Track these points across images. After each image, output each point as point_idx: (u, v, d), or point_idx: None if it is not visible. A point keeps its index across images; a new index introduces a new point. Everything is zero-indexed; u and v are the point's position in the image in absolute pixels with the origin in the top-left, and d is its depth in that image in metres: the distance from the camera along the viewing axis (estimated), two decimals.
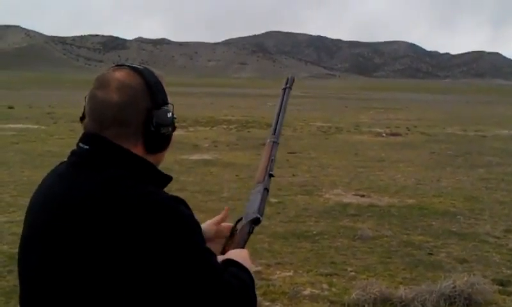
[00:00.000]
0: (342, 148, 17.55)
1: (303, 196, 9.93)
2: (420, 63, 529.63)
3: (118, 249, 1.23)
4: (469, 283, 5.15)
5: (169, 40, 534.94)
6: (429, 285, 5.24)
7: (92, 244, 1.24)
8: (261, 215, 1.64)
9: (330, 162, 14.38)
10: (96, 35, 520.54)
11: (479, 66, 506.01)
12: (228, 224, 1.76)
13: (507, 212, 8.92)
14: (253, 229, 1.63)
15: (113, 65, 1.45)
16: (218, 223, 1.76)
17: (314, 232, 7.53)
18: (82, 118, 1.42)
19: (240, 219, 1.68)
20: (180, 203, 1.34)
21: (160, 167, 1.47)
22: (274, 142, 1.80)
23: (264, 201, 1.67)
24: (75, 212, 1.28)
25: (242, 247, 1.59)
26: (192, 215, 1.34)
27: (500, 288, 5.55)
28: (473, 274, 5.52)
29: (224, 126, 24.65)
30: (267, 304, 5.09)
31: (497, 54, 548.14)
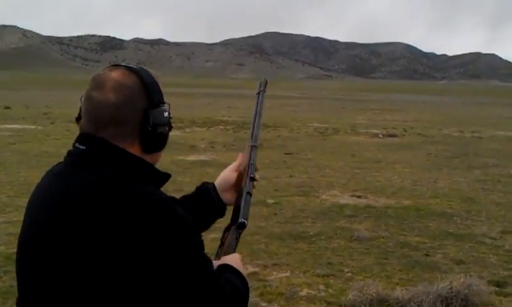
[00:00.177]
0: (339, 149, 17.57)
1: (300, 196, 9.94)
2: (417, 64, 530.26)
3: (114, 248, 1.23)
4: (466, 284, 5.15)
5: (166, 41, 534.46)
6: (426, 286, 5.25)
7: (89, 243, 1.24)
8: (245, 219, 1.63)
9: (327, 163, 14.39)
10: (94, 35, 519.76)
11: (476, 67, 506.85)
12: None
13: (504, 213, 8.94)
14: (239, 234, 1.63)
15: (109, 65, 1.45)
16: (237, 169, 1.77)
17: (311, 233, 7.53)
18: (78, 119, 1.42)
19: (229, 226, 1.68)
20: (178, 204, 1.34)
21: (157, 167, 1.47)
22: (253, 146, 1.79)
23: (247, 205, 1.66)
24: (72, 211, 1.28)
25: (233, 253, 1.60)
26: (189, 218, 1.34)
27: (497, 289, 5.56)
28: (470, 275, 5.53)
29: (221, 127, 24.65)
30: (263, 304, 5.09)
31: (494, 55, 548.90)
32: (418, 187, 11.17)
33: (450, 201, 9.78)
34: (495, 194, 10.54)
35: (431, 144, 19.31)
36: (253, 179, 1.70)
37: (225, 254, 1.58)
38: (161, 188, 1.41)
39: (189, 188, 1.88)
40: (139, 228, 1.23)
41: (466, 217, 8.58)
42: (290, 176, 12.14)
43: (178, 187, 9.93)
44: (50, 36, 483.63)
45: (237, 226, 1.62)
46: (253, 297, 5.03)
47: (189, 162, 13.97)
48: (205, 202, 1.72)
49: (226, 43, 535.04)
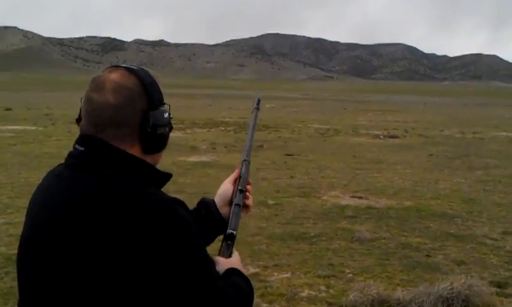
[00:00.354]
0: (340, 150, 17.56)
1: (301, 197, 9.93)
2: (418, 65, 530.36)
3: (114, 249, 1.22)
4: (467, 284, 5.15)
5: (167, 42, 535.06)
6: (427, 287, 5.25)
7: (89, 244, 1.24)
8: (234, 230, 1.63)
9: (328, 164, 14.38)
10: (95, 36, 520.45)
11: (477, 68, 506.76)
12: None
13: (505, 214, 8.94)
14: (229, 245, 1.63)
15: (109, 66, 1.45)
16: (233, 182, 1.77)
17: (312, 234, 7.53)
18: (78, 120, 1.42)
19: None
20: (179, 204, 1.34)
21: (158, 168, 1.47)
22: (244, 160, 1.81)
23: (235, 216, 1.66)
24: (72, 213, 1.28)
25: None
26: (191, 218, 1.34)
27: (498, 290, 5.56)
28: (471, 276, 5.52)
29: (222, 128, 24.64)
30: (264, 305, 5.09)
31: (495, 56, 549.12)
32: (419, 187, 11.16)
33: (451, 202, 9.77)
34: (496, 194, 10.54)
35: (432, 145, 19.29)
36: (242, 191, 1.71)
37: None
38: (162, 189, 1.42)
39: (190, 190, 1.89)
40: (139, 229, 1.23)
41: (467, 218, 8.58)
42: (291, 177, 12.14)
43: (179, 188, 9.93)
44: (51, 38, 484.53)
45: (225, 237, 1.63)
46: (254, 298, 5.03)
47: (190, 163, 13.97)
48: (206, 217, 1.70)
49: (227, 44, 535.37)
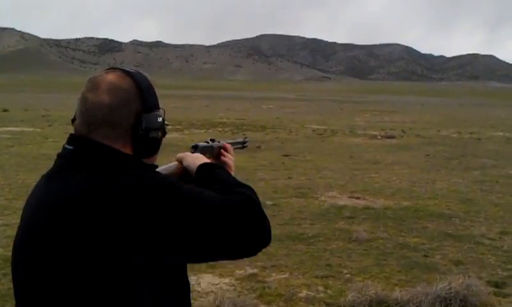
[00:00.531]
0: (337, 151, 17.58)
1: (298, 198, 9.93)
2: (415, 66, 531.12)
3: (107, 247, 1.22)
4: (464, 284, 5.16)
5: (164, 43, 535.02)
6: (425, 287, 5.25)
7: (82, 243, 1.23)
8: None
9: (325, 164, 14.39)
10: (92, 38, 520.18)
11: (474, 68, 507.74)
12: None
13: (502, 213, 8.95)
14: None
15: (106, 68, 1.46)
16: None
17: (309, 234, 7.53)
18: (73, 120, 1.42)
19: None
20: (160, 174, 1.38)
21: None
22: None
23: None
24: (62, 213, 1.27)
25: None
26: (170, 177, 1.38)
27: (496, 289, 5.56)
28: (469, 276, 5.53)
29: (220, 129, 24.63)
30: (263, 306, 5.09)
31: (492, 56, 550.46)
32: (416, 188, 11.18)
33: (448, 202, 9.79)
34: (493, 194, 10.55)
35: (430, 146, 19.33)
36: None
37: None
38: None
39: None
40: (130, 218, 1.23)
41: (465, 218, 8.59)
42: (289, 177, 12.14)
43: None
44: (48, 39, 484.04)
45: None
46: (252, 299, 5.03)
47: None
48: None
49: (224, 45, 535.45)
